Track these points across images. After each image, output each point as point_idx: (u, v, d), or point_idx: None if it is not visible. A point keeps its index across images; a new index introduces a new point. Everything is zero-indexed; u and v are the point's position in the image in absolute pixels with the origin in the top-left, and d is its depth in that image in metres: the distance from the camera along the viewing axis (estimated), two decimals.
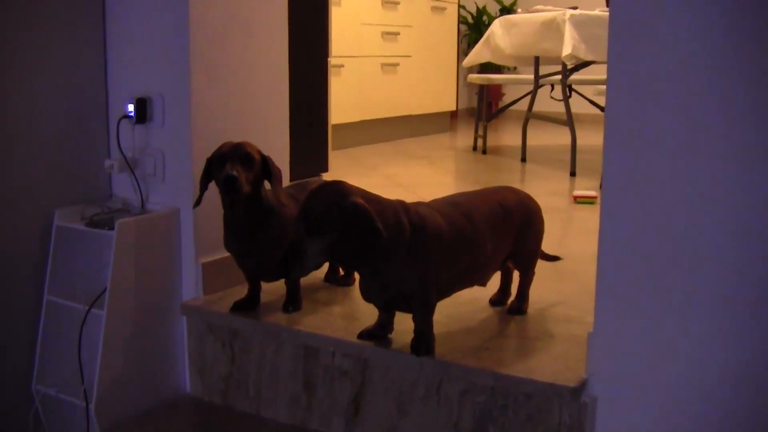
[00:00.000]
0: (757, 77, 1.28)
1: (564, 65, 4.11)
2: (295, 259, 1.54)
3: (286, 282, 1.94)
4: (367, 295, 1.63)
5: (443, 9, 5.83)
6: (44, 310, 2.03)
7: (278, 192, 1.80)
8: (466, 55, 5.63)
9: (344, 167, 4.17)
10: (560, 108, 4.24)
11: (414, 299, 1.60)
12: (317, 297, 2.02)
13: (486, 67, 6.32)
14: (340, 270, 2.14)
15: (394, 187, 3.57)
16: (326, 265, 2.13)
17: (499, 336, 1.76)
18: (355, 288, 2.03)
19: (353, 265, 1.74)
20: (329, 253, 1.51)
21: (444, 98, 5.95)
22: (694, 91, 1.33)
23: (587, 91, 5.08)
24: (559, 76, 4.23)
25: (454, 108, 6.14)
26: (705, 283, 1.36)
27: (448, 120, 6.18)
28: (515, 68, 6.84)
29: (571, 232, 2.86)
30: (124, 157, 2.09)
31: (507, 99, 7.03)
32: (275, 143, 2.20)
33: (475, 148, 5.04)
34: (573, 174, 3.99)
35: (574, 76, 4.38)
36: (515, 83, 6.09)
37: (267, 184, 1.82)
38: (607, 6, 3.05)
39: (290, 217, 1.75)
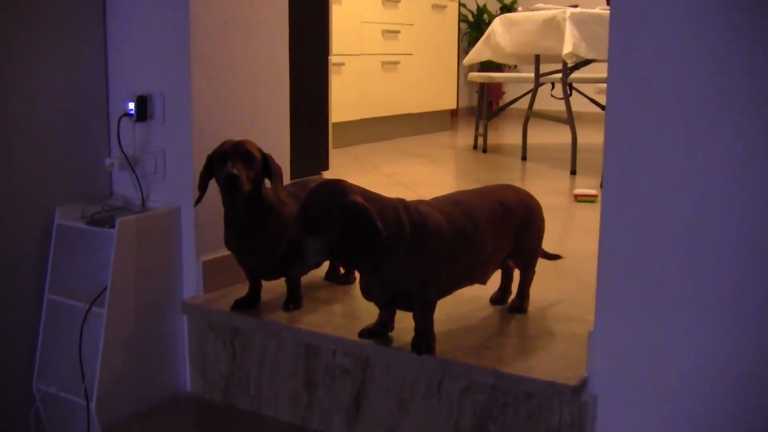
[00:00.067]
0: (759, 76, 1.27)
1: (564, 63, 4.11)
2: (295, 257, 1.54)
3: (286, 280, 1.94)
4: (367, 294, 1.63)
5: (444, 7, 5.82)
6: (45, 308, 2.03)
7: (279, 190, 1.80)
8: (466, 53, 5.63)
9: (345, 165, 4.17)
10: (561, 106, 4.24)
11: (414, 297, 1.60)
12: (318, 295, 2.02)
13: (486, 66, 6.31)
14: (341, 268, 2.14)
15: (395, 186, 3.57)
16: (327, 264, 2.13)
17: (500, 334, 1.76)
18: (356, 286, 2.03)
19: (353, 264, 1.74)
20: (329, 251, 1.51)
21: (444, 97, 5.95)
22: (695, 89, 1.33)
23: (588, 89, 5.08)
24: (560, 75, 4.23)
25: (454, 106, 6.14)
26: (706, 282, 1.36)
27: (449, 118, 6.18)
28: (516, 66, 6.85)
29: (572, 231, 2.86)
30: (125, 155, 2.09)
31: (507, 97, 7.03)
32: (276, 141, 2.20)
33: (475, 147, 5.04)
34: (573, 172, 3.99)
35: (575, 75, 4.38)
36: (516, 81, 6.09)
37: (267, 183, 1.82)
38: (608, 4, 3.05)
39: (291, 215, 1.75)
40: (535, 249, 1.87)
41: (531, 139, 4.68)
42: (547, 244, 1.93)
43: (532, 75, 4.50)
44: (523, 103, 4.89)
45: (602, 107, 4.19)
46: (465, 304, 1.89)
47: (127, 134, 2.09)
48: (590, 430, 1.50)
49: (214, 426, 1.96)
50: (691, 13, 1.32)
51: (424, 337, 1.63)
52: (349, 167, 4.14)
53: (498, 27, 4.52)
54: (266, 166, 1.79)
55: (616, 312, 1.45)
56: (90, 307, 1.96)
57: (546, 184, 3.68)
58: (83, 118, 2.11)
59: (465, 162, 4.60)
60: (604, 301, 1.47)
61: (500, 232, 1.72)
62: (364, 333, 1.72)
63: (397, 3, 5.29)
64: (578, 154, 4.05)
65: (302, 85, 3.16)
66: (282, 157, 2.21)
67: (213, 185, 1.80)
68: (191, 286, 2.07)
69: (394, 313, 1.71)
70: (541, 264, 1.91)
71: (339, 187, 1.52)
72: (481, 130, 4.94)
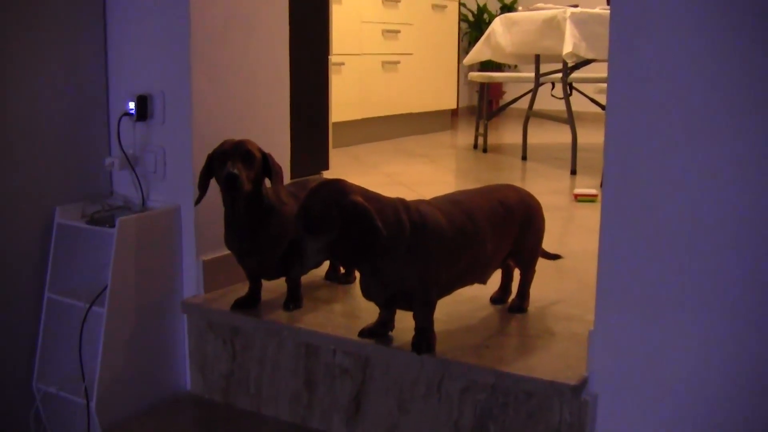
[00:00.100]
0: (759, 76, 1.27)
1: (565, 63, 4.11)
2: (295, 257, 1.54)
3: (286, 280, 1.94)
4: (367, 293, 1.63)
5: (444, 7, 5.82)
6: (45, 307, 2.03)
7: (279, 190, 1.80)
8: (466, 53, 5.62)
9: (345, 165, 4.17)
10: (561, 106, 4.24)
11: (414, 297, 1.60)
12: (318, 295, 2.02)
13: (487, 65, 6.31)
14: (341, 268, 2.14)
15: (395, 186, 3.57)
16: (327, 263, 2.13)
17: (500, 334, 1.76)
18: (356, 286, 2.03)
19: (353, 264, 1.74)
20: (329, 251, 1.51)
21: (444, 96, 5.95)
22: (695, 89, 1.33)
23: (588, 89, 5.08)
24: (560, 74, 4.22)
25: (454, 106, 6.14)
26: (706, 282, 1.36)
27: (449, 118, 6.18)
28: (516, 66, 6.84)
29: (572, 231, 2.86)
30: (125, 154, 2.09)
31: (508, 97, 7.03)
32: (276, 141, 2.20)
33: (475, 147, 5.04)
34: (574, 172, 3.99)
35: (575, 74, 4.38)
36: (516, 81, 6.09)
37: (267, 182, 1.82)
38: (608, 4, 3.05)
39: (291, 215, 1.75)
40: (535, 249, 1.87)
41: (531, 139, 4.68)
42: (547, 244, 1.93)
43: (533, 75, 4.50)
44: (524, 103, 4.88)
45: (602, 107, 4.20)
46: (465, 304, 1.89)
47: (127, 134, 2.09)
48: (590, 429, 1.50)
49: (214, 425, 1.96)
50: (691, 13, 1.32)
51: (424, 337, 1.63)
52: (349, 167, 4.14)
53: (498, 27, 4.52)
54: (266, 165, 1.79)
55: (616, 312, 1.45)
56: (90, 307, 1.96)
57: (546, 184, 3.68)
58: (83, 117, 2.11)
59: (465, 162, 4.60)
60: (604, 301, 1.47)
61: (500, 231, 1.72)
62: (364, 332, 1.72)
63: (397, 3, 5.29)
64: (578, 154, 4.05)
65: (302, 85, 3.16)
66: (282, 157, 2.21)
67: (213, 185, 1.80)
68: (191, 285, 2.07)
69: (394, 312, 1.71)
70: (541, 264, 1.91)
71: (339, 186, 1.52)
72: (481, 130, 4.94)
